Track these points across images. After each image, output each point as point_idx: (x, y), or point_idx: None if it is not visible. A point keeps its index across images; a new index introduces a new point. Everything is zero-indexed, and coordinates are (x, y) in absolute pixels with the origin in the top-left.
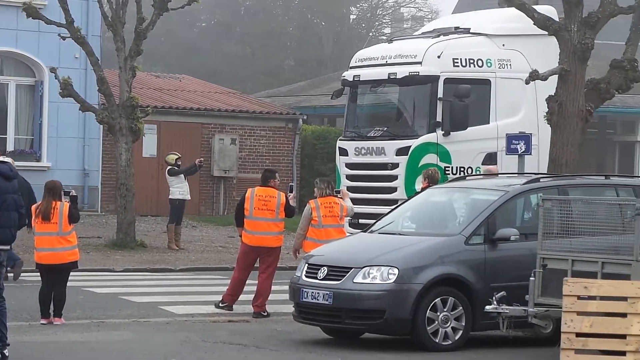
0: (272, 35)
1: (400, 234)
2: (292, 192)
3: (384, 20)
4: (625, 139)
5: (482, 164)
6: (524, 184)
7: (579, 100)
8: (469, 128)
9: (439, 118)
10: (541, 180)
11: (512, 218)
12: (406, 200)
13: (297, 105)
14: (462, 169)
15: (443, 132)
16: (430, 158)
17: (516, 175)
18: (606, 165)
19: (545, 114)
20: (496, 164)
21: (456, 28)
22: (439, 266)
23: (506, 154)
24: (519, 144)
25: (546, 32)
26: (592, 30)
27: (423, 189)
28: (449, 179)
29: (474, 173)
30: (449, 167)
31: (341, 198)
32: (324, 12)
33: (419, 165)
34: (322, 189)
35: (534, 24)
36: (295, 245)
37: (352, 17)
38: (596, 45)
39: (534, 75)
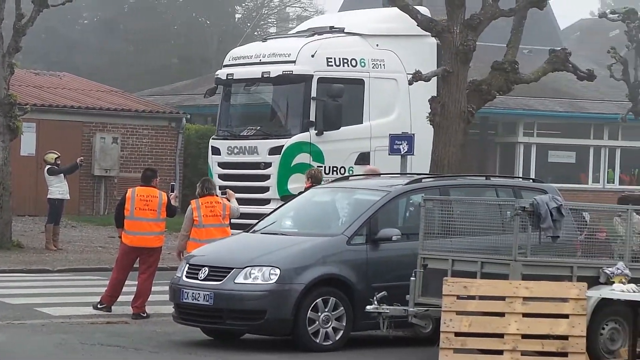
0: (156, 33)
1: (282, 234)
2: (173, 192)
3: (270, 20)
4: (506, 140)
5: (355, 164)
6: (406, 184)
7: (461, 101)
8: (342, 128)
9: (312, 117)
10: (423, 180)
11: (394, 218)
12: (286, 201)
13: (180, 104)
14: (335, 169)
15: (316, 131)
16: (303, 157)
17: (399, 175)
18: (488, 166)
19: (427, 115)
20: (369, 163)
21: (331, 27)
22: (321, 266)
23: (389, 154)
24: (401, 144)
25: (421, 33)
26: (474, 32)
27: (306, 189)
28: (331, 180)
29: (347, 173)
30: (321, 166)
31: (226, 198)
32: (209, 11)
33: (292, 165)
34: (202, 188)
35: (417, 25)
36: (178, 246)
37: (237, 16)
38: (478, 47)
39: (417, 76)
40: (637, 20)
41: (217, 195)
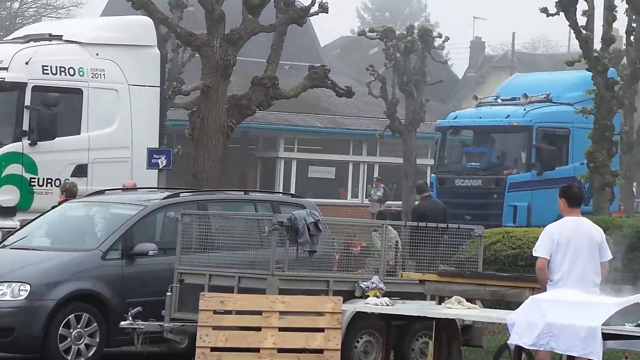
0: None
1: (34, 249)
2: None
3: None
4: (267, 155)
5: (72, 176)
6: (163, 198)
7: (221, 115)
8: (57, 138)
9: (25, 127)
10: (181, 195)
11: (152, 233)
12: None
13: None
14: (49, 181)
15: (29, 141)
16: (15, 168)
17: (156, 189)
18: (248, 181)
19: (186, 129)
20: (87, 176)
21: (50, 35)
22: (74, 282)
23: (147, 169)
24: (159, 158)
25: (144, 44)
26: (234, 47)
27: (60, 203)
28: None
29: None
30: (34, 178)
31: None
32: None
33: (2, 176)
34: None
35: (177, 38)
36: None
37: None
38: (238, 61)
39: (176, 90)
40: (394, 39)
41: None
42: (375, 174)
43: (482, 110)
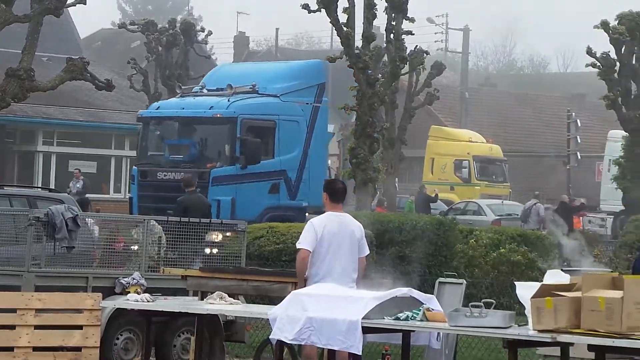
0: None
1: None
2: None
3: None
4: (25, 149)
5: None
6: None
7: None
8: None
9: None
10: None
11: None
12: None
13: None
14: None
15: None
16: None
17: None
18: (6, 176)
19: None
20: None
21: None
22: None
23: None
24: None
25: None
26: None
27: None
28: None
29: None
30: None
31: None
32: None
33: None
34: None
35: None
36: None
37: None
38: None
39: None
40: (156, 33)
41: None
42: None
43: (185, 101)
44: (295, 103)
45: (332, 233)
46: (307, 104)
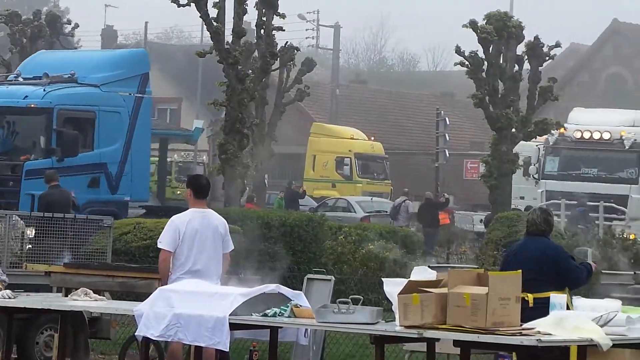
0: None
1: None
2: None
3: None
4: None
5: None
6: None
7: None
8: None
9: None
10: None
11: None
12: None
13: None
14: None
15: None
16: None
17: None
18: None
19: None
20: None
21: None
22: None
23: None
24: None
25: None
26: None
27: None
28: None
29: None
30: None
31: None
32: None
33: None
34: None
35: None
36: None
37: None
38: None
39: None
40: (20, 24)
41: None
42: None
43: None
44: (117, 93)
45: (194, 230)
46: (130, 94)
